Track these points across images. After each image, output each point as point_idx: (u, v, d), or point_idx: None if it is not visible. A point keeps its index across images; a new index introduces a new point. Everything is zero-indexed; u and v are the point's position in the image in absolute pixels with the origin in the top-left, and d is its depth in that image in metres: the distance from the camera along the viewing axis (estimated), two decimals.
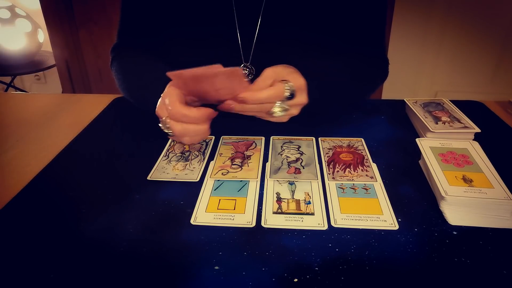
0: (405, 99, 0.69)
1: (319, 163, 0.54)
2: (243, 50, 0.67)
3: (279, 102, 0.51)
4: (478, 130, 0.57)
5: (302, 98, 0.53)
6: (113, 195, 0.49)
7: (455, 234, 0.42)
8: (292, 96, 0.51)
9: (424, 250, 0.40)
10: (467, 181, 0.46)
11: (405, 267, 0.38)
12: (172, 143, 0.60)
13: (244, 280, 0.36)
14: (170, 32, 0.69)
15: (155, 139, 0.61)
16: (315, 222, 0.43)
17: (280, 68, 0.53)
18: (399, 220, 0.44)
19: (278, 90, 0.50)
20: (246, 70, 0.67)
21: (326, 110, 0.59)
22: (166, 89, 0.50)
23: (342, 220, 0.44)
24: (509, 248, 0.40)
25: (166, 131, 0.50)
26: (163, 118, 0.49)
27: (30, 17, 1.85)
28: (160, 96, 0.52)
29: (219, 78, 0.45)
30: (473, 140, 0.56)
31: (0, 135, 0.66)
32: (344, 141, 0.60)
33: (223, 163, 0.55)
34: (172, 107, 0.48)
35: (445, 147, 0.52)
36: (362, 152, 0.57)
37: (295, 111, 0.54)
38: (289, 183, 0.50)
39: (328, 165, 0.54)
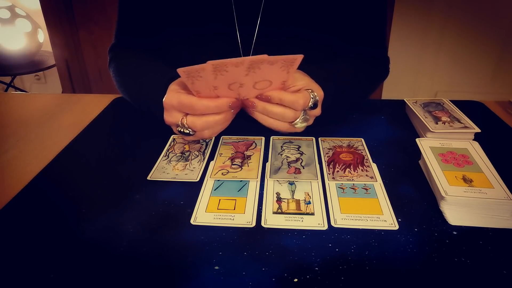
0: (405, 99, 0.69)
1: (319, 163, 0.54)
2: (242, 49, 0.67)
3: (302, 112, 0.50)
4: (478, 130, 0.57)
5: (318, 110, 0.53)
6: (113, 195, 0.49)
7: (455, 234, 0.42)
8: (315, 106, 0.50)
9: (424, 250, 0.40)
10: (467, 181, 0.46)
11: (405, 267, 0.38)
12: (172, 143, 0.60)
13: (244, 280, 0.36)
14: (169, 31, 0.68)
15: (155, 139, 0.61)
16: (315, 222, 0.43)
17: (299, 74, 0.52)
18: (399, 220, 0.44)
19: (305, 97, 0.49)
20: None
21: (332, 112, 0.59)
22: (169, 95, 0.50)
23: (342, 220, 0.44)
24: (509, 248, 0.40)
25: (186, 131, 0.49)
26: (180, 120, 0.49)
27: (30, 17, 1.85)
28: (159, 98, 0.51)
29: (274, 66, 0.44)
30: (473, 140, 0.57)
31: (0, 135, 0.66)
32: (344, 141, 0.60)
33: (223, 163, 0.55)
34: (193, 102, 0.47)
35: (445, 147, 0.52)
36: (362, 152, 0.57)
37: (310, 122, 0.54)
38: (289, 183, 0.50)
39: (328, 165, 0.54)
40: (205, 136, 0.51)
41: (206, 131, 0.50)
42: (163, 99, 0.50)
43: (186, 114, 0.49)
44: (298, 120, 0.50)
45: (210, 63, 0.42)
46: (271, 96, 0.48)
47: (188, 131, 0.49)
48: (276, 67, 0.45)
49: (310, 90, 0.50)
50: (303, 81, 0.52)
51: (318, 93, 0.52)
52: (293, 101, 0.48)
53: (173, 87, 0.52)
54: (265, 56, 0.43)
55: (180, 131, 0.50)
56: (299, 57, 0.45)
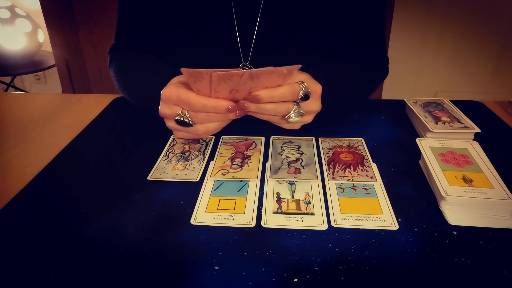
0: (405, 99, 0.69)
1: (319, 163, 0.54)
2: (242, 49, 0.67)
3: (295, 106, 0.51)
4: (478, 130, 0.57)
5: (316, 105, 0.53)
6: (113, 195, 0.49)
7: (455, 234, 0.42)
8: (306, 97, 0.50)
9: (424, 250, 0.40)
10: (467, 181, 0.46)
11: (405, 267, 0.38)
12: (172, 143, 0.60)
13: (244, 280, 0.36)
14: (169, 31, 0.68)
15: (155, 139, 0.61)
16: (315, 222, 0.43)
17: (297, 72, 0.52)
18: (399, 220, 0.44)
19: (293, 88, 0.49)
20: (245, 69, 0.67)
21: (332, 112, 0.59)
22: (168, 88, 0.50)
23: (342, 220, 0.44)
24: (509, 248, 0.40)
25: (186, 120, 0.50)
26: (181, 110, 0.49)
27: (30, 17, 1.85)
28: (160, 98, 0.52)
29: (271, 76, 0.46)
30: (473, 140, 0.57)
31: (0, 135, 0.66)
32: (344, 141, 0.60)
33: (223, 163, 0.55)
34: (191, 99, 0.48)
35: (445, 147, 0.52)
36: (362, 152, 0.57)
37: (309, 118, 0.54)
38: (289, 183, 0.50)
39: (328, 165, 0.54)
40: (199, 131, 0.51)
41: (201, 126, 0.50)
42: (162, 91, 0.51)
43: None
44: (291, 113, 0.51)
45: (216, 74, 0.43)
46: (260, 96, 0.48)
47: (188, 121, 0.50)
48: (273, 77, 0.46)
49: (300, 82, 0.50)
50: (301, 78, 0.52)
51: (313, 87, 0.52)
52: (281, 94, 0.49)
53: (174, 81, 0.52)
54: (264, 68, 0.44)
55: (178, 120, 0.50)
56: (295, 67, 0.46)
